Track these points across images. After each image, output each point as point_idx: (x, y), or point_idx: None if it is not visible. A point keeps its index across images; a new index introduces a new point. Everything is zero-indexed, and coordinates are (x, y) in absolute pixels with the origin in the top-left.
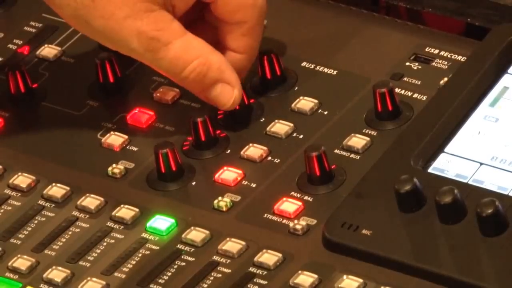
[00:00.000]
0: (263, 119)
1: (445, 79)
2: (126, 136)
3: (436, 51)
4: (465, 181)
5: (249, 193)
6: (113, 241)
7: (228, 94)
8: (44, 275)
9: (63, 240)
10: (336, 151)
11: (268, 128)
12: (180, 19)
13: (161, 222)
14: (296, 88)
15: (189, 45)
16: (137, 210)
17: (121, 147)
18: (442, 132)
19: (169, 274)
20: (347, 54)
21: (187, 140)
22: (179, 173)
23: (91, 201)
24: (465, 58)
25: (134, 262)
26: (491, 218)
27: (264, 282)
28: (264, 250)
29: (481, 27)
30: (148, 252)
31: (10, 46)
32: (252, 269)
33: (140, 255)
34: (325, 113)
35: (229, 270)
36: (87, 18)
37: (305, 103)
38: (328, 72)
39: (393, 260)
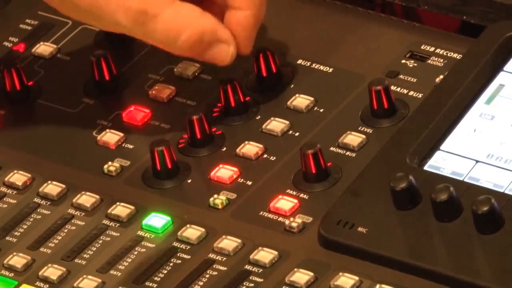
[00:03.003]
0: (259, 116)
1: (441, 76)
2: (121, 134)
3: (432, 49)
4: (461, 178)
5: (245, 190)
6: (108, 238)
7: (225, 51)
8: (40, 273)
9: (59, 237)
10: (331, 148)
11: (264, 126)
12: None
13: (157, 220)
14: (292, 85)
15: (178, 14)
16: (132, 207)
17: (117, 144)
18: (437, 130)
19: (165, 271)
20: (342, 52)
21: (183, 137)
22: (175, 170)
23: (86, 199)
24: (461, 55)
25: (129, 260)
26: (487, 215)
27: (260, 280)
28: (260, 248)
29: (476, 24)
30: (143, 250)
31: (6, 43)
32: (247, 267)
33: (135, 252)
34: (321, 110)
35: (225, 268)
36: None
37: (301, 101)
38: (324, 69)
39: (389, 258)
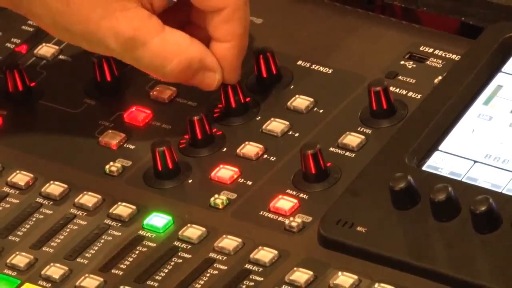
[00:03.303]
0: (259, 117)
1: (440, 77)
2: (123, 135)
3: (431, 50)
4: (459, 178)
5: (245, 190)
6: (110, 238)
7: (210, 79)
8: (42, 272)
9: (61, 237)
10: (331, 149)
11: (264, 126)
12: (160, 14)
13: (158, 220)
14: (292, 86)
15: (167, 42)
16: (134, 207)
17: (118, 145)
18: (436, 130)
19: (166, 271)
20: (342, 53)
21: (184, 138)
22: (176, 171)
23: (88, 199)
24: (459, 57)
25: (131, 259)
26: (485, 215)
27: (260, 279)
28: (260, 247)
29: (475, 26)
30: (145, 249)
31: (8, 45)
32: (248, 266)
33: (137, 252)
34: (321, 111)
35: (225, 267)
36: (65, 24)
37: (300, 102)
38: (324, 70)
39: (388, 257)
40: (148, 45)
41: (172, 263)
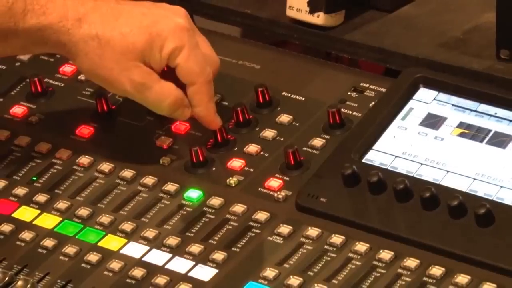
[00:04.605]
0: (258, 128)
1: (373, 103)
2: (171, 139)
3: (367, 85)
4: (385, 167)
5: (249, 175)
6: (163, 205)
7: (185, 113)
8: (119, 227)
9: (131, 205)
10: (304, 148)
11: (261, 134)
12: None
13: (193, 193)
14: (279, 108)
15: (163, 88)
16: (178, 185)
17: (168, 145)
18: (371, 136)
19: (198, 226)
20: (311, 87)
21: (210, 141)
22: (205, 162)
23: (149, 180)
24: (386, 89)
25: (176, 219)
26: (402, 191)
27: (259, 231)
28: (258, 211)
29: (395, 70)
30: (185, 213)
31: None
32: (250, 223)
33: (179, 214)
34: (297, 124)
35: (236, 224)
36: (96, 70)
37: (284, 118)
38: (299, 98)
39: (340, 218)
40: (152, 88)
41: (202, 222)
